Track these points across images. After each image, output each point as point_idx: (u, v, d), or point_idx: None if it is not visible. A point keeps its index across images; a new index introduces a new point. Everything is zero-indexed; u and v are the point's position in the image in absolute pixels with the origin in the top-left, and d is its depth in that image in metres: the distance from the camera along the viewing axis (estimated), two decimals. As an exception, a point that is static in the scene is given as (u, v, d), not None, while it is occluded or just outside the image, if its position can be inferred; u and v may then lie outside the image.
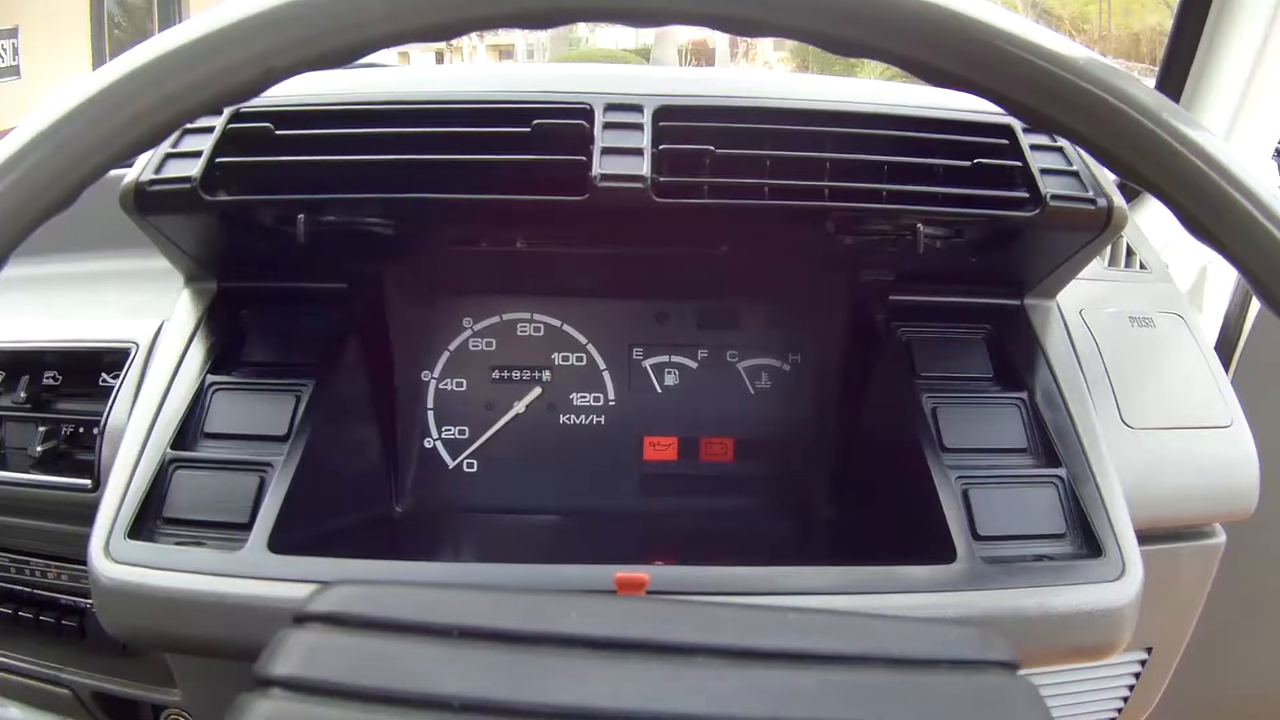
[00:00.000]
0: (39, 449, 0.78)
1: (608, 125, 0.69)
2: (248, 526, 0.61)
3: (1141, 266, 0.91)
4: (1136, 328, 0.83)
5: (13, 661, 0.91)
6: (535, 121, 0.68)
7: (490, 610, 0.33)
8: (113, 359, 0.80)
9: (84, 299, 0.89)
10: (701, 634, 0.32)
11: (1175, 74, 1.07)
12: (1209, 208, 0.37)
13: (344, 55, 0.37)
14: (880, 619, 0.36)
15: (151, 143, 0.37)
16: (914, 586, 0.59)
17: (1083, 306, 0.82)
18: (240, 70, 0.36)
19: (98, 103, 0.35)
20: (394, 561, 0.62)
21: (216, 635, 0.58)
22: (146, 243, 0.73)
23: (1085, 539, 0.64)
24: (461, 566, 0.66)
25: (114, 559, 0.60)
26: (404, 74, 0.78)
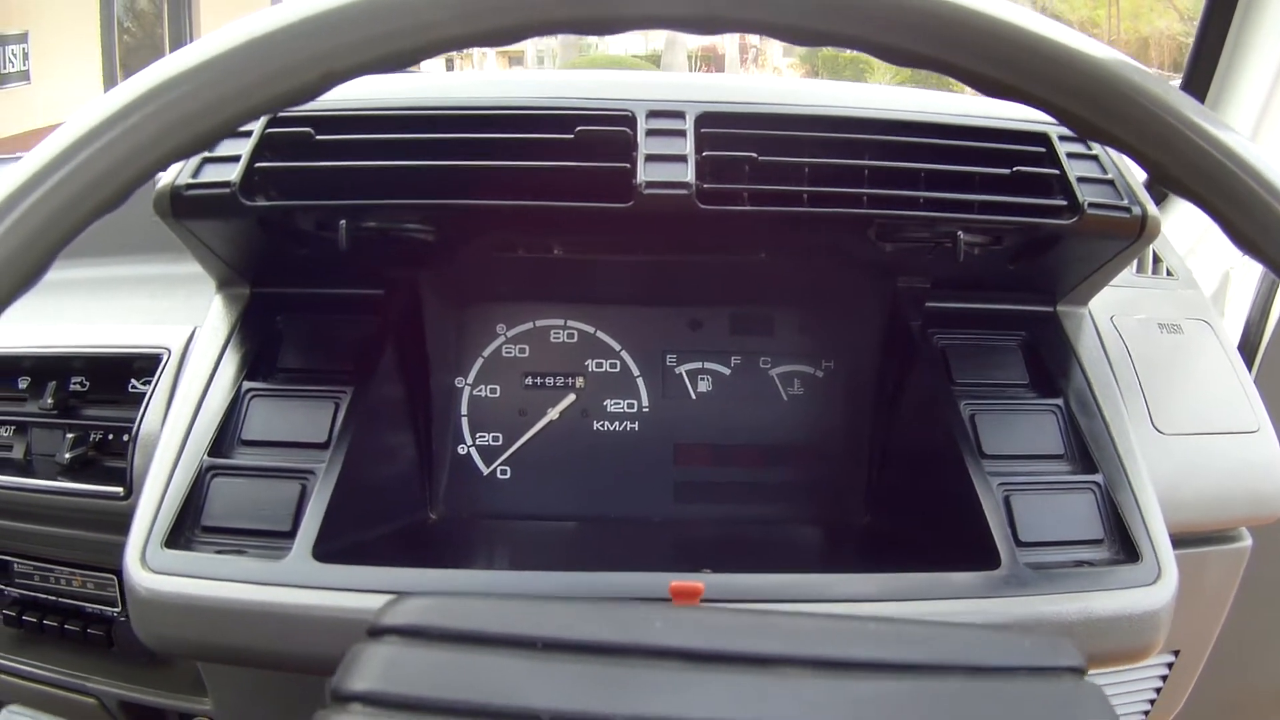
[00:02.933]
0: (68, 455, 0.78)
1: (650, 132, 0.69)
2: (290, 535, 0.61)
3: (1168, 273, 0.92)
4: (1165, 334, 0.83)
5: (39, 670, 0.91)
6: (579, 128, 0.68)
7: (573, 621, 0.33)
8: (143, 365, 0.80)
9: (110, 304, 0.89)
10: (787, 645, 0.32)
11: (1201, 74, 1.07)
12: (1251, 218, 0.37)
13: (406, 58, 0.37)
14: (957, 628, 0.36)
15: (203, 145, 0.36)
16: (960, 593, 0.59)
17: (1113, 313, 0.82)
18: (298, 73, 0.35)
19: (150, 101, 0.34)
20: (441, 570, 0.62)
21: (262, 645, 0.58)
22: (172, 247, 0.73)
23: (1123, 544, 0.64)
24: (510, 575, 0.66)
25: (151, 568, 0.59)
26: (445, 79, 0.78)
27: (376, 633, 0.33)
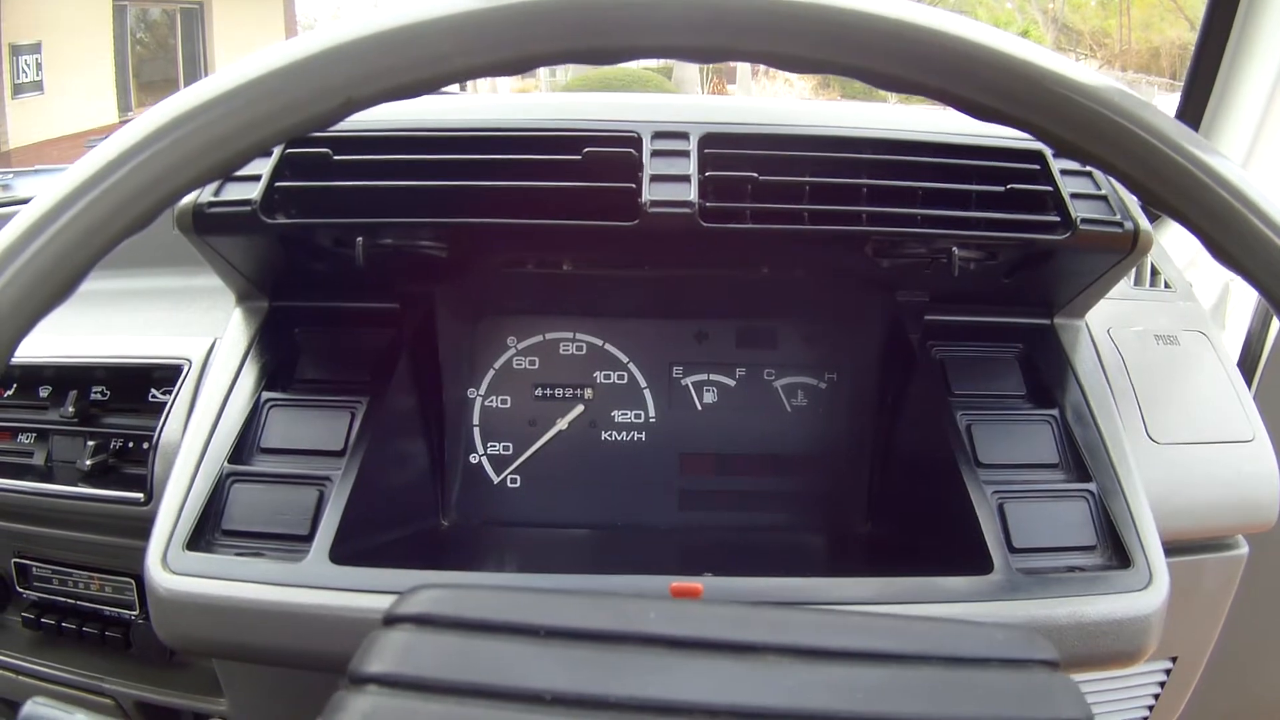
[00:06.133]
0: (88, 462, 0.80)
1: (655, 153, 0.71)
2: (308, 538, 0.63)
3: (1166, 285, 0.93)
4: (1161, 345, 0.85)
5: (57, 671, 0.93)
6: (586, 150, 0.70)
7: (574, 611, 0.34)
8: (164, 375, 0.81)
9: (131, 316, 0.91)
10: (772, 634, 0.34)
11: (1195, 102, 1.09)
12: (1232, 235, 0.38)
13: (421, 88, 0.39)
14: (935, 621, 0.38)
15: (229, 169, 0.38)
16: (953, 597, 0.61)
17: (1110, 325, 0.84)
18: (323, 99, 0.37)
19: (181, 125, 0.36)
20: (452, 572, 0.64)
21: (279, 644, 0.60)
22: (189, 261, 0.74)
23: (1115, 551, 0.66)
24: (517, 577, 0.68)
25: (172, 570, 0.61)
26: (460, 101, 0.80)
27: (392, 620, 0.35)
